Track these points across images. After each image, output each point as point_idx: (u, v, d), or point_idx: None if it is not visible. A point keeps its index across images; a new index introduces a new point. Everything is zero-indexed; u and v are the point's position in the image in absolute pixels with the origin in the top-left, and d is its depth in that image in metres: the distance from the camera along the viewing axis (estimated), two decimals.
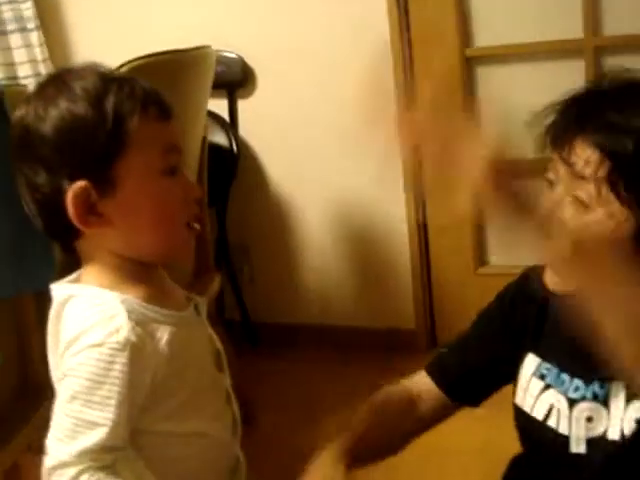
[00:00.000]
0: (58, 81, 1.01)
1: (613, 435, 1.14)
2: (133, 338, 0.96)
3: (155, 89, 1.04)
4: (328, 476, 1.20)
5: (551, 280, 1.11)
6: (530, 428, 1.25)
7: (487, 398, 1.34)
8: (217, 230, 2.91)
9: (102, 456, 0.94)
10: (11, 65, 3.01)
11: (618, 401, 1.14)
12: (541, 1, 2.51)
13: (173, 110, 1.05)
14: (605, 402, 1.15)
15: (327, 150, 2.82)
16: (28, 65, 2.99)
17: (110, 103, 0.97)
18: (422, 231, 2.81)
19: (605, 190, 1.03)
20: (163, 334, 1.01)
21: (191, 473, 1.06)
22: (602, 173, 1.03)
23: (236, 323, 2.98)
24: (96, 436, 0.94)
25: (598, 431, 1.15)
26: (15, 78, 3.00)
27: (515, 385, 1.28)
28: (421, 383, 1.39)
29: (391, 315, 2.92)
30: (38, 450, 1.56)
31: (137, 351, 0.96)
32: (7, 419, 1.64)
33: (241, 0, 2.80)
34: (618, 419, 1.14)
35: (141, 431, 1.01)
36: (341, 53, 2.70)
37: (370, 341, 2.90)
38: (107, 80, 1.00)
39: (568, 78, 2.42)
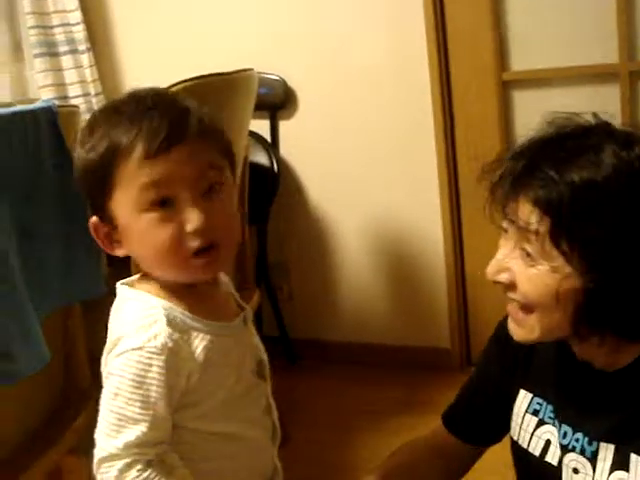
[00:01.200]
0: (87, 129, 1.06)
1: None
2: (170, 344, 1.02)
3: (164, 116, 1.03)
4: None
5: (514, 331, 1.14)
6: (527, 464, 1.24)
7: (506, 432, 1.31)
8: (257, 248, 2.96)
9: (146, 450, 1.00)
10: (62, 85, 3.11)
11: (605, 464, 1.12)
12: (577, 26, 2.51)
13: (181, 138, 1.02)
14: (592, 460, 1.13)
15: (366, 170, 2.87)
16: (78, 85, 3.09)
17: (105, 144, 1.01)
18: (458, 251, 2.83)
19: (549, 245, 1.03)
20: (201, 342, 1.06)
21: (224, 474, 1.10)
22: (543, 229, 1.03)
23: (274, 339, 3.01)
24: (138, 430, 0.99)
25: None
26: (65, 98, 3.10)
27: (510, 420, 1.28)
28: (440, 433, 1.40)
29: (426, 334, 2.94)
30: (80, 453, 1.64)
31: (173, 355, 1.02)
32: (52, 422, 1.69)
33: (285, 25, 2.86)
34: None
35: (175, 426, 1.06)
36: (381, 77, 2.76)
37: (405, 359, 2.93)
38: (114, 120, 1.03)
39: (603, 102, 2.45)
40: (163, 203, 1.01)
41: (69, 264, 1.60)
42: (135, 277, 1.13)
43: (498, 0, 2.59)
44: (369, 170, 2.86)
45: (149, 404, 1.01)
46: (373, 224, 2.93)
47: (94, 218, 1.07)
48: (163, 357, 1.01)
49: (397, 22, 2.70)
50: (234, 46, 2.90)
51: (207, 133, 1.06)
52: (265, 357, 1.20)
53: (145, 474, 0.99)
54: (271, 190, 2.92)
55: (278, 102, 2.90)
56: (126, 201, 1.02)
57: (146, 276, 1.11)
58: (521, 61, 2.63)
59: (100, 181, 1.03)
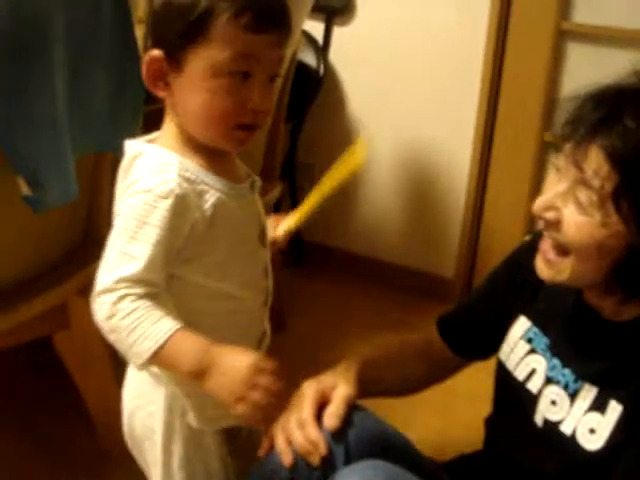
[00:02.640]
0: None
1: (565, 429, 1.16)
2: (178, 190, 1.08)
3: (270, 4, 1.10)
4: (336, 381, 1.25)
5: (541, 269, 1.15)
6: (509, 387, 1.28)
7: (494, 352, 1.35)
8: (289, 146, 3.01)
9: (138, 286, 1.06)
10: None
11: (583, 403, 1.15)
12: None
13: (280, 24, 1.10)
14: (572, 396, 1.17)
15: (408, 90, 2.88)
16: None
17: (205, 2, 1.06)
18: (481, 188, 2.87)
19: (608, 202, 1.02)
20: (211, 197, 1.12)
21: (218, 330, 1.15)
22: (609, 186, 1.01)
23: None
24: (135, 267, 1.06)
25: (555, 417, 1.18)
26: None
27: (503, 341, 1.31)
28: (431, 338, 1.44)
29: (434, 260, 3.00)
30: (86, 295, 1.73)
31: (180, 202, 1.08)
32: (67, 260, 1.77)
33: None
34: (575, 418, 1.15)
35: (177, 277, 1.14)
36: (442, 6, 2.75)
37: (409, 281, 2.99)
38: None
39: None
40: (244, 74, 1.08)
41: (111, 113, 1.66)
42: (149, 136, 1.19)
43: None
44: (412, 90, 2.88)
45: (149, 244, 1.06)
46: (403, 145, 2.96)
47: (158, 51, 1.09)
48: (169, 201, 1.07)
49: None
50: None
51: (289, 25, 1.13)
52: (266, 224, 1.28)
53: (136, 304, 1.05)
54: (312, 92, 2.94)
55: (336, 7, 2.91)
56: (210, 58, 1.07)
57: (163, 132, 1.17)
58: (583, 14, 2.61)
59: (191, 29, 1.06)
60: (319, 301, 2.87)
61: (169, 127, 1.17)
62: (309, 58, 2.91)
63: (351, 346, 2.52)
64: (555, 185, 1.09)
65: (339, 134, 3.05)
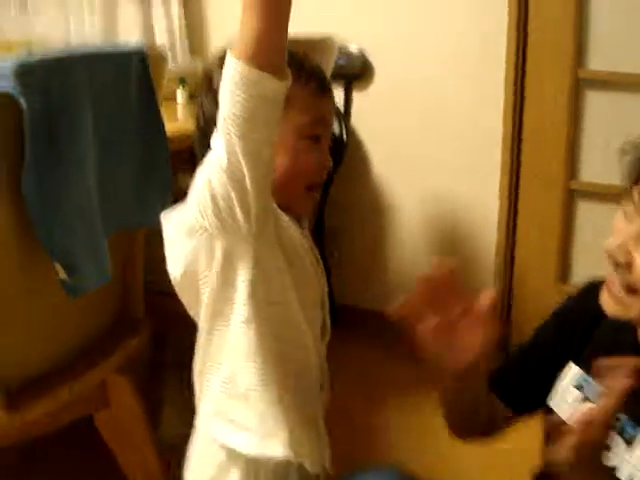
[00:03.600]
0: None
1: (621, 475, 1.14)
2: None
3: (320, 68, 1.23)
4: None
5: (607, 303, 1.14)
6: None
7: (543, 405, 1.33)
8: (317, 213, 3.03)
9: None
10: (150, 32, 3.20)
11: None
12: None
13: (331, 90, 1.24)
14: (629, 442, 1.15)
15: (431, 149, 2.91)
16: (165, 34, 3.18)
17: None
18: (511, 238, 2.87)
19: None
20: (284, 223, 1.19)
21: (289, 354, 1.21)
22: None
23: None
24: None
25: (610, 463, 1.15)
26: (153, 44, 3.19)
27: (551, 387, 1.29)
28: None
29: None
30: (126, 374, 1.75)
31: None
32: (104, 341, 1.80)
33: None
34: (631, 464, 1.14)
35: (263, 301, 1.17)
36: (457, 58, 2.80)
37: None
38: None
39: None
40: (317, 138, 1.19)
41: (141, 192, 1.71)
42: None
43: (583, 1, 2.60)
44: (434, 149, 2.91)
45: None
46: (431, 201, 2.98)
47: None
48: None
49: (477, 2, 2.73)
50: (317, 16, 2.96)
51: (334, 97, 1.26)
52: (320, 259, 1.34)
53: None
54: (337, 158, 2.96)
55: (355, 73, 2.95)
56: (293, 122, 1.16)
57: None
58: (599, 61, 2.64)
59: None
60: (353, 364, 2.86)
61: None
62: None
63: (387, 410, 2.51)
64: (625, 228, 1.12)
65: (366, 197, 3.08)
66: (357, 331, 3.09)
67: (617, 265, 1.11)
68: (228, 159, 1.04)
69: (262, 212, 1.10)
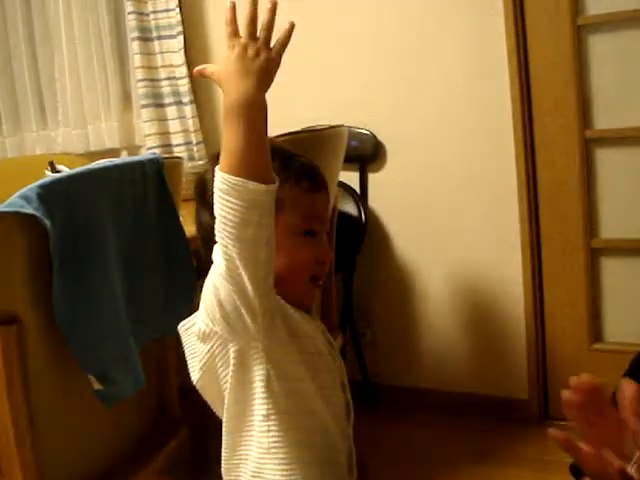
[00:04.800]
0: None
1: None
2: None
3: (312, 165, 1.28)
4: None
5: None
6: None
7: None
8: (343, 295, 3.07)
9: None
10: (166, 134, 3.31)
11: None
12: None
13: (325, 185, 1.28)
14: None
15: (450, 221, 2.95)
16: (181, 135, 3.28)
17: None
18: (539, 305, 2.88)
19: None
20: (293, 315, 1.22)
21: (311, 441, 1.23)
22: None
23: (356, 383, 3.08)
24: None
25: None
26: (169, 146, 3.29)
27: None
28: None
29: (505, 384, 2.97)
30: (168, 476, 1.76)
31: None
32: (143, 445, 1.82)
33: (377, 83, 2.99)
34: None
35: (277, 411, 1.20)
36: (467, 134, 2.85)
37: (483, 408, 2.97)
38: (273, 157, 1.20)
39: None
40: (311, 233, 1.24)
41: (167, 298, 1.75)
42: None
43: (583, 63, 2.66)
44: (453, 222, 2.95)
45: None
46: (455, 275, 3.01)
47: None
48: None
49: (484, 77, 2.79)
50: (328, 101, 3.06)
51: (327, 187, 1.29)
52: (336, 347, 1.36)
53: None
54: (358, 239, 3.03)
55: (368, 155, 3.02)
56: (286, 221, 1.21)
57: None
58: (604, 120, 2.69)
59: None
60: (398, 443, 2.85)
61: None
62: (350, 207, 3.01)
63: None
64: None
65: (390, 275, 3.11)
66: (397, 409, 3.09)
67: None
68: (227, 265, 1.09)
69: (268, 311, 1.15)
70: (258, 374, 1.19)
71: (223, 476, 1.31)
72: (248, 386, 1.20)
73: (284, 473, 1.21)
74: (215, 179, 1.08)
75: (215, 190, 1.08)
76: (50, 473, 1.53)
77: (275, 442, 1.20)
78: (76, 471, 1.63)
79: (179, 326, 1.27)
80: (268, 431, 1.20)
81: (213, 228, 1.12)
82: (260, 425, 1.20)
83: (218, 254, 1.10)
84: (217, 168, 1.08)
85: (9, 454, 1.46)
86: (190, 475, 1.94)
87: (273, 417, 1.19)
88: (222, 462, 1.29)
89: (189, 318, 1.25)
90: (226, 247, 1.08)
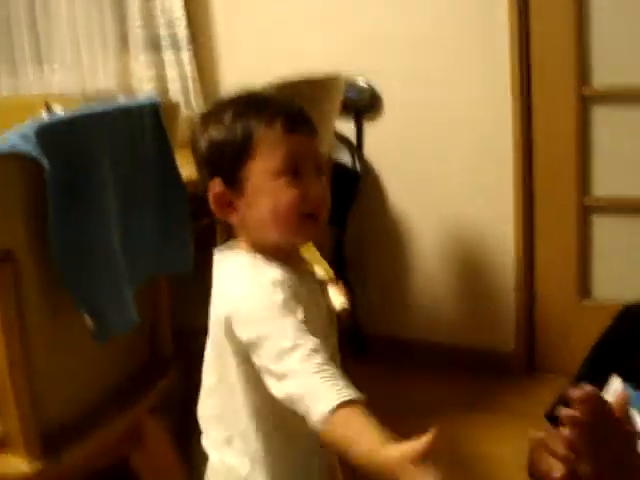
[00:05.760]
0: (214, 110, 1.28)
1: None
2: (279, 277, 1.19)
3: (290, 106, 1.27)
4: None
5: None
6: None
7: None
8: (336, 245, 3.08)
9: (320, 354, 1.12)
10: (163, 79, 3.29)
11: None
12: None
13: (308, 124, 1.26)
14: None
15: (444, 174, 2.97)
16: (178, 80, 3.26)
17: (241, 126, 1.22)
18: (529, 260, 2.90)
19: None
20: (299, 295, 1.21)
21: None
22: None
23: (347, 333, 3.11)
24: (309, 342, 1.12)
25: None
26: (166, 91, 3.27)
27: None
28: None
29: (493, 336, 3.02)
30: (160, 415, 1.80)
31: (286, 285, 1.19)
32: (136, 383, 1.85)
33: (374, 33, 2.98)
34: None
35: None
36: (464, 84, 2.85)
37: (470, 360, 3.01)
38: (247, 104, 1.25)
39: None
40: (295, 172, 1.22)
41: (163, 239, 1.77)
42: (229, 244, 1.30)
43: (583, 18, 2.65)
44: (448, 174, 2.96)
45: (300, 324, 1.15)
46: (448, 228, 3.03)
47: (218, 183, 1.24)
48: (280, 288, 1.18)
49: (482, 25, 2.79)
50: (326, 50, 3.04)
51: (313, 123, 1.28)
52: (334, 314, 1.37)
53: (325, 364, 1.10)
54: (352, 190, 3.04)
55: (364, 105, 3.02)
56: (264, 167, 1.21)
57: (242, 244, 1.28)
58: (602, 76, 2.69)
59: (237, 152, 1.22)
60: (386, 393, 2.85)
61: (242, 247, 1.28)
62: (345, 157, 3.02)
63: (424, 430, 2.53)
64: None
65: (383, 226, 3.14)
66: (385, 358, 3.13)
67: None
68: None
69: None
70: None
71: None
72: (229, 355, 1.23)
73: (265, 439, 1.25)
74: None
75: None
76: (45, 411, 1.57)
77: (256, 405, 1.24)
78: (70, 408, 1.66)
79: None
80: (255, 393, 1.23)
81: (204, 185, 1.23)
82: (245, 394, 1.24)
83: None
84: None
85: (5, 392, 1.50)
86: (180, 414, 1.98)
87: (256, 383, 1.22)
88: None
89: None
90: None
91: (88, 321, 1.55)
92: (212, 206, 1.26)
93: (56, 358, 1.60)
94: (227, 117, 1.23)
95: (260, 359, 1.15)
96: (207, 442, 1.32)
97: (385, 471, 1.00)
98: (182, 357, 1.91)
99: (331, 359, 1.24)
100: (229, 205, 1.25)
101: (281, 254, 1.25)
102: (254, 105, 1.25)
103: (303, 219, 1.23)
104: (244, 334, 1.17)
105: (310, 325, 1.19)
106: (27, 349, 1.49)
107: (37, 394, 1.53)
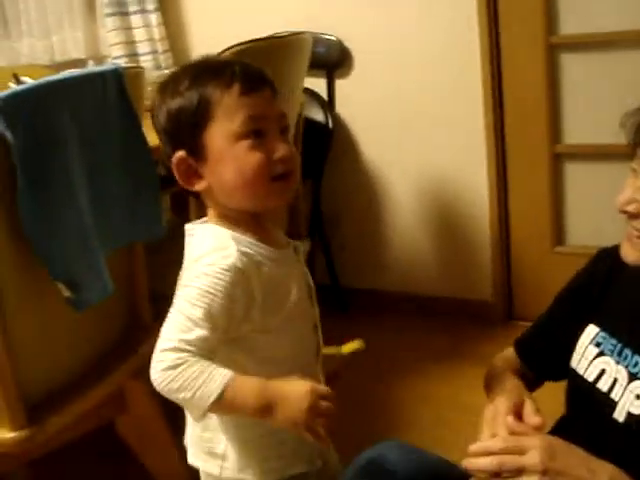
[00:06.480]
0: (170, 80, 1.26)
1: (618, 415, 1.22)
2: (239, 264, 1.18)
3: (246, 68, 1.25)
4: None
5: (627, 252, 1.24)
6: (580, 389, 1.32)
7: (564, 376, 1.39)
8: (312, 201, 3.10)
9: (200, 348, 1.13)
10: (131, 43, 3.27)
11: None
12: None
13: (266, 83, 1.25)
14: (635, 375, 1.21)
15: (416, 128, 2.97)
16: (147, 43, 3.25)
17: (197, 92, 1.21)
18: (503, 210, 2.93)
19: None
20: (264, 266, 1.22)
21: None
22: None
23: (326, 287, 3.13)
24: (198, 332, 1.13)
25: (614, 396, 1.23)
26: (135, 55, 3.27)
27: (573, 350, 1.35)
28: (512, 358, 1.49)
29: (471, 287, 3.06)
30: (140, 377, 1.82)
31: (240, 274, 1.18)
32: (117, 349, 1.88)
33: None
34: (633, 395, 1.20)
35: (243, 337, 1.23)
36: (432, 36, 2.85)
37: (449, 310, 3.06)
38: (203, 70, 1.24)
39: None
40: (256, 133, 1.21)
41: (133, 206, 1.78)
42: (201, 220, 1.30)
43: None
44: (420, 127, 2.97)
45: (211, 314, 1.15)
46: (422, 180, 3.04)
47: (181, 153, 1.22)
48: (231, 274, 1.17)
49: None
50: (295, 7, 3.03)
51: (272, 83, 1.27)
52: (313, 284, 1.36)
53: (198, 359, 1.12)
54: (325, 145, 3.05)
55: (334, 61, 3.02)
56: (223, 131, 1.20)
57: (212, 216, 1.28)
58: (570, 25, 2.68)
59: (195, 119, 1.21)
60: (366, 345, 2.91)
61: (213, 214, 1.29)
62: (316, 114, 3.02)
63: (405, 381, 2.57)
64: (634, 183, 1.22)
65: (357, 181, 3.15)
66: (365, 311, 3.17)
67: (630, 216, 1.22)
68: None
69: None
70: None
71: None
72: None
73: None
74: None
75: None
76: (25, 378, 1.58)
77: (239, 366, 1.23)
78: (52, 375, 1.69)
79: None
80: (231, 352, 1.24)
81: (168, 157, 1.23)
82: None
83: None
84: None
85: None
86: None
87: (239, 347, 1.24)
88: None
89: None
90: None
91: (64, 291, 1.56)
92: (177, 177, 1.25)
93: (35, 326, 1.62)
94: (183, 85, 1.22)
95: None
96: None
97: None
98: (163, 323, 1.93)
99: (313, 329, 1.34)
100: (195, 174, 1.24)
101: (252, 223, 1.26)
102: (210, 71, 1.24)
103: (273, 182, 1.22)
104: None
105: (277, 304, 1.23)
106: (2, 317, 1.50)
107: (18, 362, 1.55)
